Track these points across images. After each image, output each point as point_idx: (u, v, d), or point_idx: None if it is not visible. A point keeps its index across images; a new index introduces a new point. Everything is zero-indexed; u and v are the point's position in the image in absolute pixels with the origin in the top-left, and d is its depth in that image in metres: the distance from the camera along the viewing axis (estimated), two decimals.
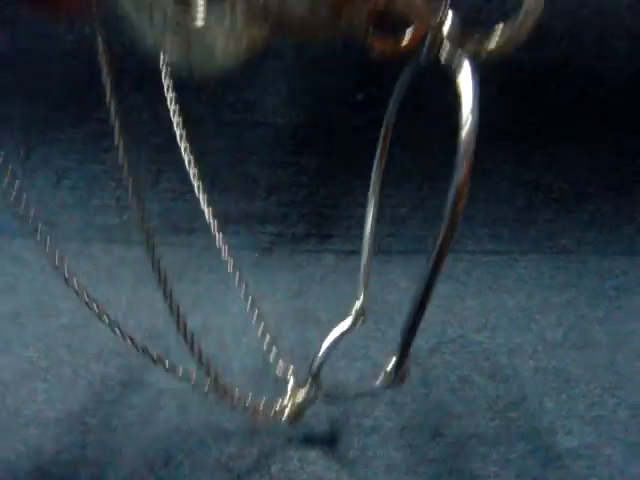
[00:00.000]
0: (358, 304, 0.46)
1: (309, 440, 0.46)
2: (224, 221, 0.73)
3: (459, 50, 0.27)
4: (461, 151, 0.24)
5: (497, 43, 0.29)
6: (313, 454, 0.45)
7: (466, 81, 0.25)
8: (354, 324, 0.45)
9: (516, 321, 0.63)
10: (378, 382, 0.34)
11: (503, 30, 0.28)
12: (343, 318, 0.51)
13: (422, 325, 0.55)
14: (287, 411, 0.44)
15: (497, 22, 0.29)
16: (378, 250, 0.73)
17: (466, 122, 0.24)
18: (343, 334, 0.43)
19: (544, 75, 0.73)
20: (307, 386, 0.43)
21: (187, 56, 0.30)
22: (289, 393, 0.45)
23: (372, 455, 0.45)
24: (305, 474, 0.43)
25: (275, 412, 0.44)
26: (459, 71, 0.26)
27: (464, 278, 0.72)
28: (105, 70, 0.37)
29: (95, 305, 0.36)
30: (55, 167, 0.78)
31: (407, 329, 0.30)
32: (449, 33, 0.28)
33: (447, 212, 0.26)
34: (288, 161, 0.75)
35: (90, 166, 0.78)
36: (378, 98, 0.70)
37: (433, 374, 0.54)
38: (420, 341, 0.59)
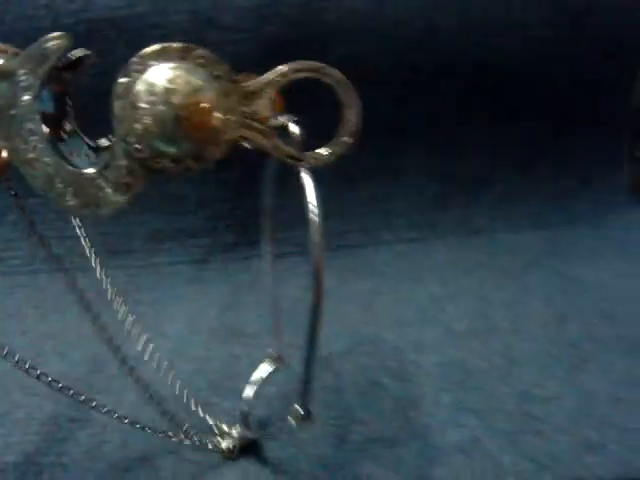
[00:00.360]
0: (273, 351, 0.54)
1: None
2: (158, 238, 0.81)
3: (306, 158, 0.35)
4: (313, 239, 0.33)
5: (327, 158, 0.37)
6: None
7: (308, 181, 0.34)
8: (273, 372, 0.53)
9: (426, 313, 0.71)
10: (292, 422, 0.42)
11: (332, 149, 0.36)
12: (269, 329, 0.59)
13: (337, 326, 0.63)
14: (225, 446, 0.53)
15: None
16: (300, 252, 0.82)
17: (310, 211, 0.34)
18: (262, 382, 0.52)
19: (441, 72, 0.80)
20: (239, 430, 0.52)
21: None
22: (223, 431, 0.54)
23: (283, 466, 0.54)
24: None
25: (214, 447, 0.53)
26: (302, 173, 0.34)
27: (383, 269, 0.80)
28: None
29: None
30: None
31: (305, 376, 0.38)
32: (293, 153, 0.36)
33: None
34: (211, 178, 0.82)
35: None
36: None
37: (345, 379, 0.62)
38: (336, 345, 0.67)
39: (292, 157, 0.35)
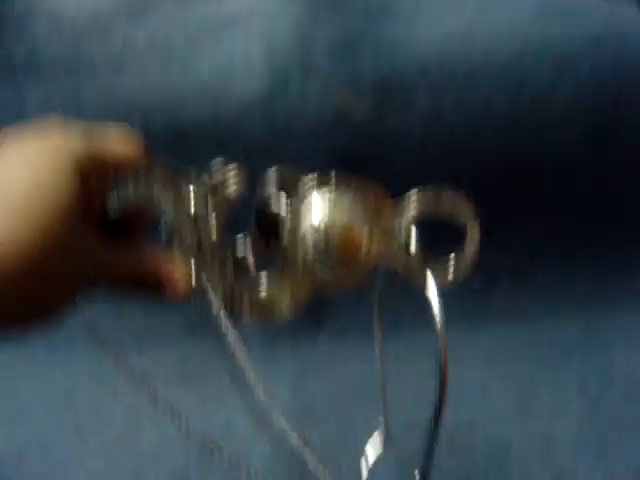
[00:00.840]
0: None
1: None
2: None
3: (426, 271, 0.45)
4: (438, 349, 0.45)
5: (455, 275, 0.47)
6: None
7: (433, 293, 0.45)
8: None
9: (473, 395, 0.84)
10: None
11: (457, 263, 0.47)
12: (339, 408, 0.72)
13: (394, 407, 0.76)
14: None
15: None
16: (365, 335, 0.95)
17: (437, 318, 0.44)
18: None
19: (485, 169, 0.94)
20: None
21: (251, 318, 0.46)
22: None
23: None
24: None
25: None
26: (426, 285, 0.44)
27: (433, 354, 0.93)
28: None
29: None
30: None
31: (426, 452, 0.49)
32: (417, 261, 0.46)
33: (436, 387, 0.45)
34: None
35: None
36: None
37: (406, 450, 0.75)
38: (395, 421, 0.80)
39: (419, 281, 0.45)
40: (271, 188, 0.46)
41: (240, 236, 0.47)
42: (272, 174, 0.46)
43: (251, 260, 0.47)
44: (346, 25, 0.89)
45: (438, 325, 0.45)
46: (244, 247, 0.47)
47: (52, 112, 0.92)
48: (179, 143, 0.90)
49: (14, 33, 0.91)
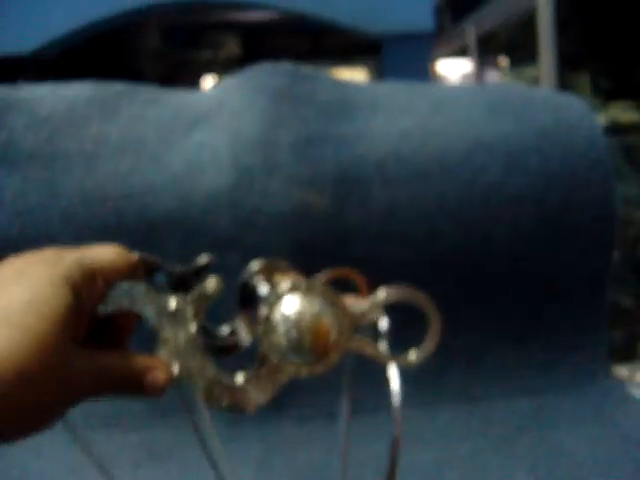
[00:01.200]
0: None
1: None
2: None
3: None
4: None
5: (414, 361, 0.55)
6: None
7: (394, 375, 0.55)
8: None
9: (430, 477, 0.90)
10: None
11: (419, 353, 0.54)
12: None
13: None
14: None
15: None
16: (325, 415, 1.01)
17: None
18: None
19: (441, 263, 1.02)
20: None
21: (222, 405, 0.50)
22: None
23: None
24: None
25: None
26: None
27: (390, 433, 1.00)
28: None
29: None
30: None
31: None
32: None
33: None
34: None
35: None
36: None
37: None
38: None
39: (387, 360, 0.54)
40: (254, 274, 0.54)
41: (225, 326, 0.53)
42: (255, 264, 0.54)
43: (243, 338, 0.53)
44: (308, 122, 0.97)
45: (395, 413, 0.56)
46: (231, 330, 0.54)
47: (28, 201, 0.98)
48: (150, 233, 0.96)
49: None
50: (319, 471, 0.92)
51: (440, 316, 0.56)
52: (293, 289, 0.51)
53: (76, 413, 0.93)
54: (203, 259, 0.52)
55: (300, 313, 0.51)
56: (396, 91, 1.01)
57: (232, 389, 0.51)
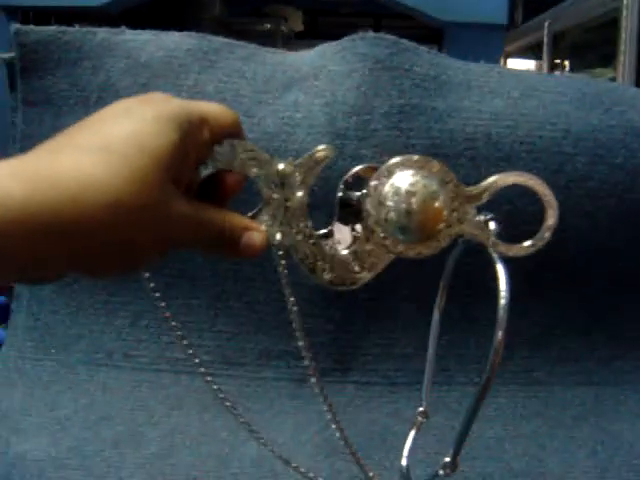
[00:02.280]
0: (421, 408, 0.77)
1: None
2: (268, 356, 1.05)
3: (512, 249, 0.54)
4: (499, 316, 0.53)
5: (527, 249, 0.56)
6: None
7: (501, 271, 0.54)
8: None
9: (491, 451, 0.94)
10: (441, 473, 0.61)
11: (533, 242, 0.56)
12: (363, 449, 0.82)
13: (419, 454, 0.86)
14: None
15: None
16: (388, 383, 1.05)
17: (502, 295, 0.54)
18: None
19: None
20: None
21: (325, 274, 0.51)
22: None
23: None
24: None
25: None
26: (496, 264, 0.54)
27: (456, 407, 1.03)
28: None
29: None
30: (133, 310, 1.09)
31: (461, 431, 0.58)
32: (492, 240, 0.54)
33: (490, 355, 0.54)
34: (318, 312, 1.06)
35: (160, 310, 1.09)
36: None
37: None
38: (420, 470, 0.90)
39: (499, 247, 0.54)
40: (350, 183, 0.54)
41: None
42: (354, 169, 0.54)
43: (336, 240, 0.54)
44: (404, 93, 1.00)
45: (502, 299, 0.54)
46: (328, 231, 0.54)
47: None
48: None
49: (91, 66, 1.02)
50: (380, 433, 0.95)
51: (558, 205, 0.56)
52: (406, 164, 0.51)
53: (144, 355, 0.97)
54: (321, 147, 0.52)
55: (413, 186, 0.50)
56: (489, 72, 1.03)
57: (335, 262, 0.51)
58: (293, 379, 1.04)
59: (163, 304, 0.64)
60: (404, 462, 0.75)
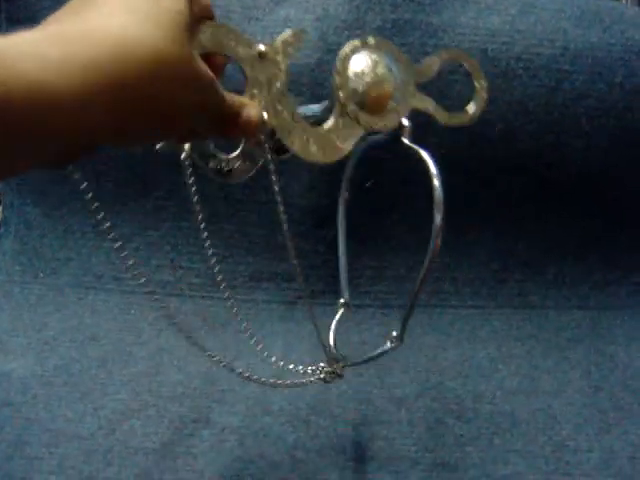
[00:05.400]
0: (342, 300, 0.78)
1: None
2: (259, 279, 1.02)
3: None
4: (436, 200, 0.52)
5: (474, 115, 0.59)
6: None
7: (427, 158, 0.54)
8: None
9: (484, 371, 0.91)
10: (388, 345, 0.61)
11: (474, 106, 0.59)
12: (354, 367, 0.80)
13: (411, 373, 0.83)
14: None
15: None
16: (380, 305, 1.02)
17: (434, 180, 0.52)
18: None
19: (513, 166, 1.02)
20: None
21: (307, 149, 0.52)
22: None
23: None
24: None
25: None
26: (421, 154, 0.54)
27: (447, 330, 1.00)
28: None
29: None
30: (122, 232, 1.06)
31: (410, 303, 0.58)
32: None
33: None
34: (310, 233, 1.03)
35: (149, 232, 1.06)
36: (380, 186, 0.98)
37: (416, 416, 0.82)
38: (409, 388, 0.87)
39: (444, 116, 0.58)
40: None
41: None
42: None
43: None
44: (397, 7, 0.96)
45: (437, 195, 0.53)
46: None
47: None
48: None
49: None
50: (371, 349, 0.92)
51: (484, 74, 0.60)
52: (365, 46, 0.54)
53: (133, 277, 0.94)
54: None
55: (368, 67, 0.53)
56: None
57: (318, 136, 0.52)
58: (284, 301, 1.01)
59: None
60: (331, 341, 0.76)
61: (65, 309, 1.00)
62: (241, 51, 0.49)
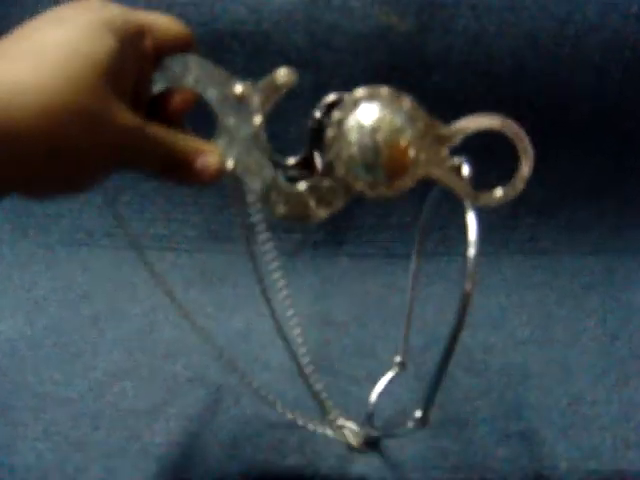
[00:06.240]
0: (398, 358, 0.69)
1: None
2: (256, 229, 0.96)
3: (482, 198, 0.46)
4: (469, 268, 0.46)
5: (499, 199, 0.47)
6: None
7: (471, 220, 0.46)
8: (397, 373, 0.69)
9: (494, 320, 0.85)
10: (410, 425, 0.53)
11: (505, 191, 0.46)
12: (357, 319, 0.74)
13: (419, 324, 0.78)
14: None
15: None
16: (384, 254, 0.96)
17: (470, 249, 0.46)
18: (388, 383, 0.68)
19: (522, 104, 0.95)
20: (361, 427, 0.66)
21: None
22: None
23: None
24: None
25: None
26: (468, 212, 0.46)
27: (456, 278, 0.95)
28: None
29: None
30: (113, 186, 1.00)
31: (432, 386, 0.50)
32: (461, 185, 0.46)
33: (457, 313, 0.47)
34: None
35: (142, 185, 1.00)
36: None
37: (424, 369, 0.76)
38: (416, 340, 0.81)
39: (469, 195, 0.46)
40: (324, 109, 0.46)
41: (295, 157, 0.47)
42: (329, 97, 0.45)
43: (295, 172, 0.47)
44: None
45: (471, 249, 0.47)
46: (300, 159, 0.47)
47: None
48: (216, 44, 0.89)
49: None
50: (376, 303, 0.87)
51: (533, 154, 0.46)
52: (374, 96, 0.43)
53: (130, 228, 0.89)
54: (282, 72, 0.44)
55: (378, 122, 0.43)
56: None
57: (291, 196, 0.45)
58: (283, 252, 0.94)
59: None
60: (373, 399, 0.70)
61: (56, 267, 0.95)
62: (212, 90, 0.44)
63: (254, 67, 0.90)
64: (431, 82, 0.90)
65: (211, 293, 0.90)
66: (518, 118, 0.89)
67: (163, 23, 0.43)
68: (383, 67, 0.89)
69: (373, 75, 0.89)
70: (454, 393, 0.72)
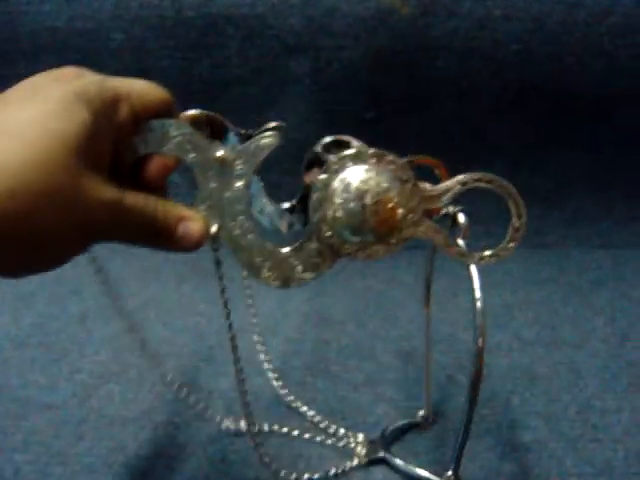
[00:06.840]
0: (422, 412, 0.65)
1: None
2: None
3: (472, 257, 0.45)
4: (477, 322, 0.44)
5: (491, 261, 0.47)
6: None
7: (475, 275, 0.45)
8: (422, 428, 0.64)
9: (498, 319, 0.81)
10: None
11: (494, 253, 0.46)
12: (355, 317, 0.70)
13: (419, 324, 0.73)
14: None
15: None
16: None
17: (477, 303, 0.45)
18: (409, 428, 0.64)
19: (529, 91, 0.90)
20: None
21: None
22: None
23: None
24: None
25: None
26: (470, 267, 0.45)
27: (459, 272, 0.90)
28: None
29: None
30: None
31: (460, 445, 0.48)
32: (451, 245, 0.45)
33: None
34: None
35: None
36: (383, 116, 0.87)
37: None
38: (416, 341, 0.77)
39: (462, 255, 0.45)
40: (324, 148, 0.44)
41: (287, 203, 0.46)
42: (327, 138, 0.44)
43: (284, 227, 0.46)
44: None
45: (478, 303, 0.46)
46: (278, 215, 0.46)
47: None
48: (210, 29, 0.85)
49: None
50: (376, 300, 0.83)
51: (526, 211, 0.47)
52: (360, 157, 0.42)
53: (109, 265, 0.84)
54: (274, 123, 0.43)
55: (364, 183, 0.42)
56: None
57: (275, 259, 0.44)
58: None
59: None
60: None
61: None
62: (193, 155, 0.42)
63: (249, 52, 0.84)
64: (435, 68, 0.85)
65: (204, 289, 0.86)
66: (524, 106, 0.85)
67: (142, 89, 0.42)
68: (384, 52, 0.84)
69: (373, 61, 0.84)
70: (457, 400, 0.68)
